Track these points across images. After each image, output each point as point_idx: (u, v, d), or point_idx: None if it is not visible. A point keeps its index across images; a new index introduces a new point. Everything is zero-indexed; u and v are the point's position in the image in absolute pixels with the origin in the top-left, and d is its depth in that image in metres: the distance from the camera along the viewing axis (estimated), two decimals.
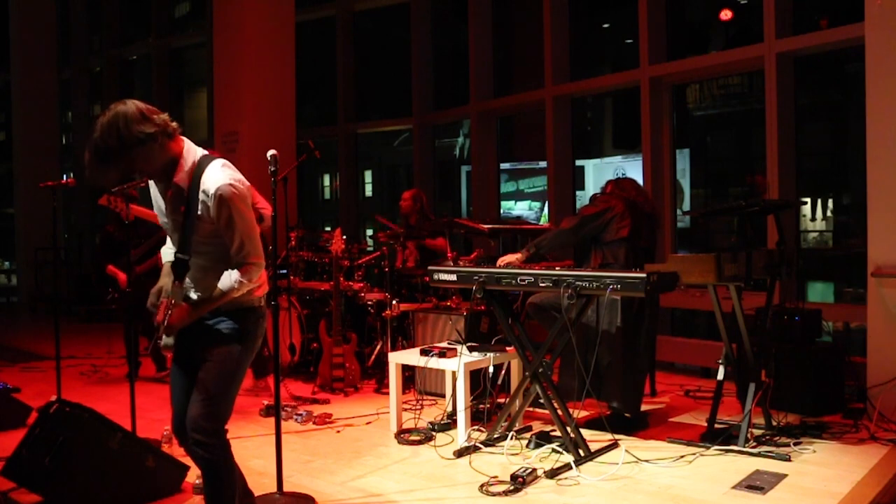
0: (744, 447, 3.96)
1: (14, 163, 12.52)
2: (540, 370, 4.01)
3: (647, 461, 3.87)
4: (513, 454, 4.03)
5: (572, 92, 7.71)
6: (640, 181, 6.57)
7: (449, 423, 4.51)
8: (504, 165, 8.99)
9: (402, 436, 4.37)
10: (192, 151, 2.61)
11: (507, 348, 4.47)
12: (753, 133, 7.76)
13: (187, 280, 2.66)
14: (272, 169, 3.34)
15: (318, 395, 5.43)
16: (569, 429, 3.95)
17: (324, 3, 10.25)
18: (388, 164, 13.18)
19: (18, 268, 13.09)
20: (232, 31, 8.32)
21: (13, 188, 12.67)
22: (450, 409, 4.60)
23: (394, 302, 5.49)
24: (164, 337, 2.59)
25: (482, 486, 3.53)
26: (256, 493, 3.17)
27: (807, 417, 4.53)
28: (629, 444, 4.13)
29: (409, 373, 5.44)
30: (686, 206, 7.86)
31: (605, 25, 9.34)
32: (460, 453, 4.03)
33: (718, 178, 8.96)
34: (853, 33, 5.32)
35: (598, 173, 8.60)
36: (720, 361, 4.21)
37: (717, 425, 4.21)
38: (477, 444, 4.13)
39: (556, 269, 4.11)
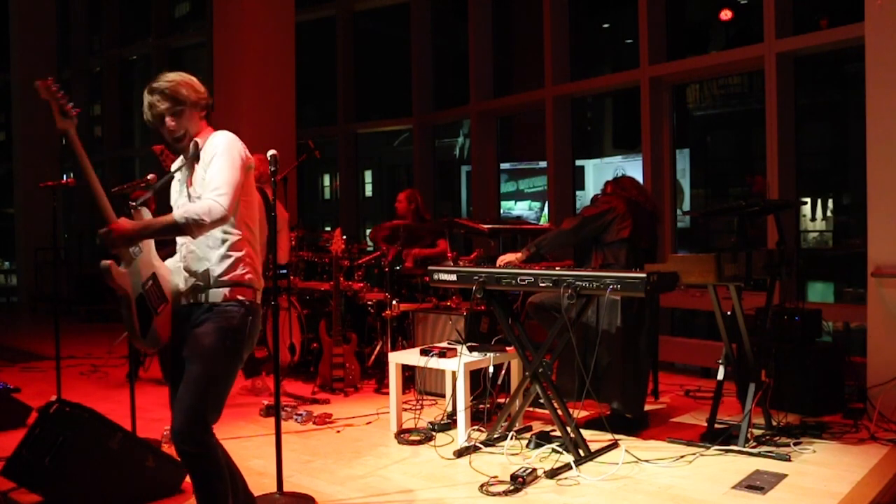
0: (744, 447, 3.95)
1: (14, 163, 12.52)
2: (540, 370, 4.01)
3: (647, 461, 3.87)
4: (513, 454, 4.03)
5: (572, 92, 7.71)
6: (640, 181, 6.57)
7: (449, 423, 4.51)
8: (504, 165, 9.00)
9: (402, 436, 4.37)
10: (212, 131, 2.79)
11: (507, 348, 4.47)
12: (753, 133, 7.77)
13: (184, 252, 2.71)
14: (272, 169, 3.35)
15: (318, 395, 5.43)
16: (569, 429, 3.95)
17: (324, 3, 10.25)
18: (388, 164, 13.19)
19: (18, 268, 13.09)
20: (232, 32, 8.32)
21: (13, 188, 12.67)
22: (450, 409, 4.60)
23: (394, 302, 5.49)
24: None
25: (482, 486, 3.53)
26: (256, 494, 3.17)
27: (807, 417, 4.53)
28: (629, 444, 4.13)
29: (409, 373, 5.44)
30: (686, 206, 7.87)
31: (605, 25, 9.35)
32: (460, 453, 4.03)
33: (718, 178, 8.97)
34: (853, 33, 5.32)
35: (598, 173, 8.61)
36: (720, 361, 4.21)
37: (717, 425, 4.21)
38: (477, 444, 4.12)
39: (556, 269, 4.11)
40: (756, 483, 3.51)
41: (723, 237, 7.78)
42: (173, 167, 2.86)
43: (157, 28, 12.02)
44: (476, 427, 4.31)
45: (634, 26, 6.93)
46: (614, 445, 4.10)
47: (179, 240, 2.76)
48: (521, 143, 9.37)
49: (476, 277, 4.09)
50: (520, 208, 9.11)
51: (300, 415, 4.77)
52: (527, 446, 4.12)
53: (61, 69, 13.26)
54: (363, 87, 10.30)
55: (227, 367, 2.66)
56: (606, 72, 8.18)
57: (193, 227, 2.53)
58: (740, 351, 4.33)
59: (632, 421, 4.43)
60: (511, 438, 4.16)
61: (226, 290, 2.66)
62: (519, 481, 3.51)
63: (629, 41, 7.82)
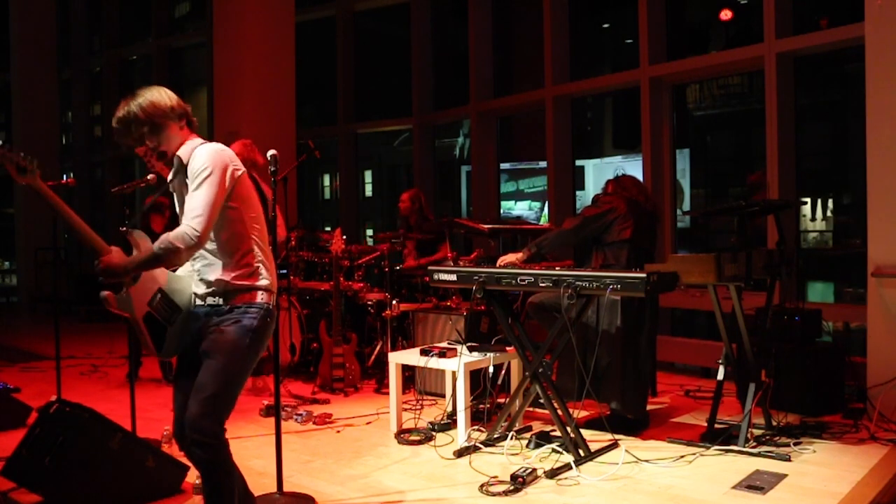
0: (744, 447, 3.95)
1: None
2: (540, 370, 4.01)
3: (647, 461, 3.87)
4: (513, 454, 4.03)
5: (572, 92, 7.71)
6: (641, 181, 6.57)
7: (449, 423, 4.51)
8: (504, 165, 9.00)
9: (402, 436, 4.37)
10: (197, 141, 2.75)
11: (507, 348, 4.47)
12: (753, 133, 7.77)
13: (196, 260, 2.71)
14: (272, 169, 3.35)
15: (318, 395, 5.43)
16: (569, 429, 3.95)
17: (324, 3, 10.26)
18: (388, 164, 13.19)
19: (18, 268, 13.09)
20: (232, 32, 8.32)
21: (13, 188, 12.66)
22: (450, 409, 4.60)
23: (394, 302, 5.49)
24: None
25: (482, 486, 3.53)
26: (256, 494, 3.17)
27: (807, 417, 4.53)
28: (629, 444, 4.13)
29: (409, 373, 5.44)
30: (686, 206, 7.87)
31: (605, 25, 9.35)
32: (460, 453, 4.03)
33: (718, 178, 8.96)
34: (853, 33, 5.32)
35: (598, 173, 8.61)
36: (720, 361, 4.21)
37: (717, 425, 4.21)
38: (477, 444, 4.12)
39: (556, 269, 4.11)
40: (756, 483, 3.51)
41: (723, 237, 7.77)
42: (169, 177, 2.83)
43: (157, 28, 12.02)
44: (476, 427, 4.31)
45: (634, 26, 6.93)
46: (614, 445, 4.10)
47: None
48: (521, 143, 9.37)
49: (476, 277, 4.10)
50: (520, 208, 9.11)
51: (300, 415, 4.77)
52: (527, 446, 4.12)
53: (61, 69, 13.27)
54: (363, 87, 10.30)
55: (245, 365, 2.69)
56: (606, 72, 8.18)
57: (172, 256, 2.54)
58: (740, 351, 4.33)
59: (632, 421, 4.42)
60: (511, 438, 4.16)
61: (243, 295, 2.69)
62: (519, 481, 3.51)
63: (629, 41, 7.82)
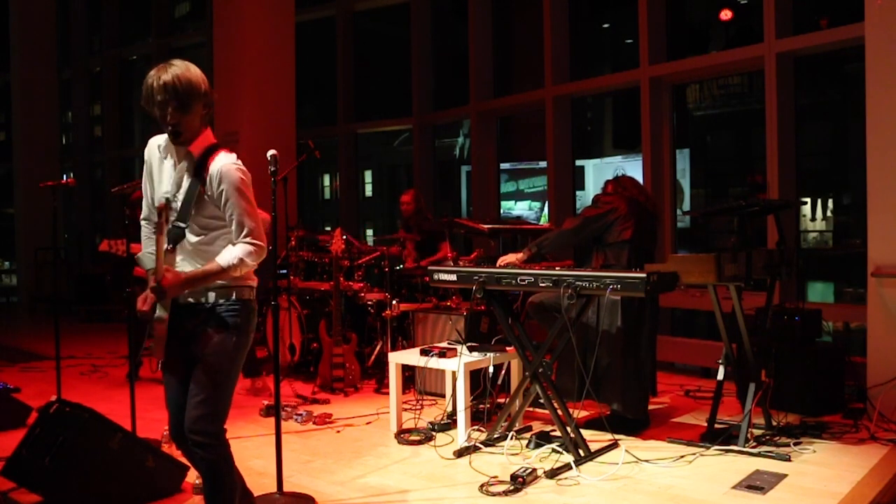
0: (744, 447, 3.96)
1: (14, 163, 12.51)
2: (540, 370, 4.01)
3: (647, 461, 3.87)
4: (513, 454, 4.03)
5: (572, 92, 7.70)
6: (640, 181, 6.57)
7: (449, 423, 4.51)
8: (504, 165, 9.00)
9: (402, 436, 4.37)
10: (210, 135, 2.73)
11: (507, 348, 4.47)
12: (753, 133, 7.76)
13: (183, 259, 2.68)
14: (272, 169, 3.35)
15: (318, 395, 5.43)
16: (569, 429, 3.95)
17: (324, 3, 10.25)
18: (388, 164, 13.18)
19: (18, 268, 13.08)
20: (232, 31, 8.32)
21: (13, 188, 12.67)
22: (450, 409, 4.60)
23: (394, 302, 5.49)
24: (157, 308, 2.57)
25: (482, 486, 3.53)
26: (256, 494, 3.17)
27: (807, 417, 4.53)
28: (629, 444, 4.13)
29: (409, 373, 5.44)
30: (686, 206, 7.87)
31: (605, 25, 9.35)
32: (460, 453, 4.03)
33: (718, 178, 8.96)
34: (853, 33, 5.32)
35: (598, 173, 8.61)
36: (720, 361, 4.21)
37: (717, 425, 4.21)
38: (477, 444, 4.12)
39: (556, 269, 4.11)
40: (756, 483, 3.51)
41: (723, 237, 7.77)
42: (156, 143, 2.76)
43: (157, 28, 12.02)
44: (476, 427, 4.31)
45: (634, 26, 6.92)
46: (614, 445, 4.10)
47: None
48: (521, 143, 9.36)
49: (476, 277, 4.09)
50: (520, 208, 9.11)
51: (300, 415, 4.77)
52: (527, 446, 4.12)
53: (61, 69, 13.27)
54: (363, 87, 10.30)
55: (235, 363, 2.70)
56: (606, 72, 8.17)
57: (240, 268, 2.61)
58: (740, 351, 4.33)
59: (632, 421, 4.42)
60: (511, 438, 4.16)
61: (227, 291, 2.68)
62: (519, 481, 3.51)
63: (629, 41, 7.82)
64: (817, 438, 4.18)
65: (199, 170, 2.62)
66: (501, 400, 4.66)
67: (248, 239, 2.61)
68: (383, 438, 4.43)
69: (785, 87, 6.03)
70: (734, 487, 3.49)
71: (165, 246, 2.57)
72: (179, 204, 2.65)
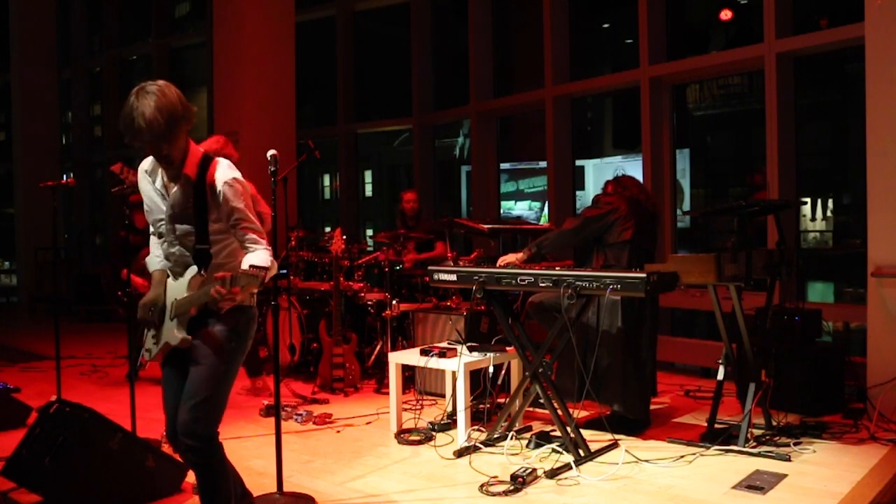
0: (744, 447, 3.95)
1: (14, 163, 12.52)
2: (540, 370, 4.01)
3: (647, 461, 3.87)
4: (513, 454, 4.03)
5: (572, 92, 7.70)
6: (640, 180, 6.57)
7: (449, 423, 4.51)
8: (504, 165, 9.00)
9: (402, 436, 4.37)
10: (196, 148, 2.70)
11: (507, 348, 4.47)
12: (753, 133, 7.76)
13: (177, 262, 2.69)
14: (272, 169, 3.35)
15: (318, 395, 5.43)
16: (569, 429, 3.95)
17: (324, 3, 10.25)
18: (388, 164, 13.18)
19: (18, 268, 13.08)
20: (232, 31, 8.32)
21: (13, 188, 12.67)
22: (450, 409, 4.60)
23: (394, 302, 5.49)
24: (176, 329, 2.62)
25: (482, 486, 3.53)
26: (256, 494, 3.17)
27: (807, 417, 4.53)
28: (629, 444, 4.13)
29: (409, 373, 5.44)
30: (686, 206, 7.87)
31: (605, 25, 9.35)
32: (460, 453, 4.03)
33: (718, 178, 8.96)
34: (853, 33, 5.32)
35: (598, 173, 8.61)
36: (720, 361, 4.21)
37: (717, 425, 4.21)
38: (477, 444, 4.12)
39: (556, 269, 4.11)
40: (756, 483, 3.51)
41: (723, 237, 7.77)
42: (143, 169, 2.74)
43: (157, 28, 12.01)
44: (476, 427, 4.31)
45: (634, 26, 6.92)
46: (614, 445, 4.10)
47: (164, 249, 2.74)
48: (521, 143, 9.37)
49: (476, 277, 4.09)
50: (520, 208, 9.11)
51: (300, 415, 4.77)
52: (527, 446, 4.12)
53: (61, 69, 13.27)
54: (363, 87, 10.30)
55: (232, 367, 2.71)
56: (606, 72, 8.17)
57: (273, 268, 2.67)
58: (740, 351, 4.33)
59: (632, 421, 4.42)
60: (511, 438, 4.16)
61: (227, 301, 2.65)
62: (519, 481, 3.51)
63: (629, 41, 7.82)
64: (817, 438, 4.18)
65: (199, 190, 2.61)
66: (501, 400, 4.65)
67: (264, 243, 2.67)
68: (383, 438, 4.43)
69: (785, 87, 6.03)
70: (734, 487, 3.49)
71: (192, 273, 2.63)
72: (193, 228, 2.63)
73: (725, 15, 7.65)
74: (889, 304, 4.61)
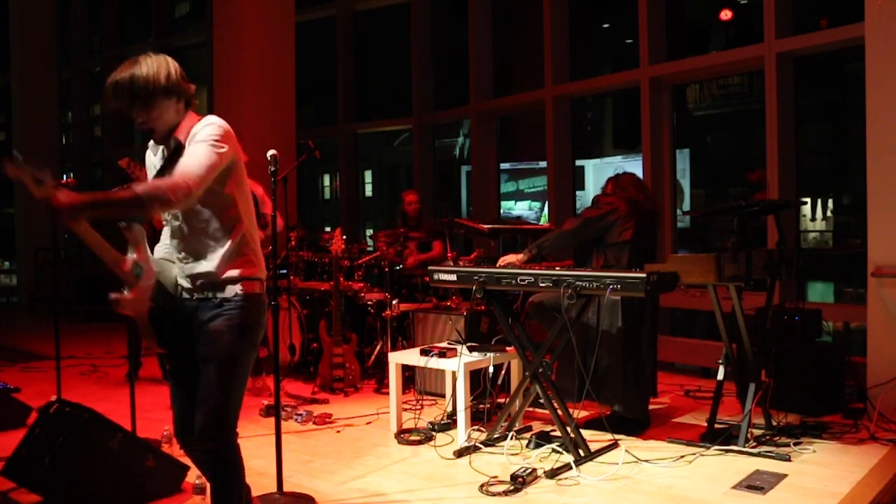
0: (744, 447, 3.95)
1: None
2: (540, 370, 4.01)
3: (647, 461, 3.87)
4: (513, 454, 4.03)
5: (572, 92, 7.70)
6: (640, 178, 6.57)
7: (449, 423, 4.51)
8: (504, 165, 9.00)
9: (402, 436, 4.37)
10: (195, 118, 2.58)
11: (507, 348, 4.47)
12: (753, 133, 7.77)
13: (179, 248, 2.58)
14: (272, 169, 3.35)
15: (318, 395, 5.43)
16: (569, 429, 3.95)
17: (324, 3, 10.25)
18: (388, 164, 13.19)
19: (18, 268, 13.08)
20: (232, 31, 8.32)
21: (13, 188, 12.67)
22: (450, 409, 4.60)
23: (394, 302, 5.49)
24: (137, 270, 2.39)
25: (482, 486, 3.53)
26: (256, 494, 3.17)
27: (807, 417, 4.53)
28: (629, 444, 4.13)
29: (409, 373, 5.44)
30: (686, 206, 7.87)
31: (605, 25, 9.35)
32: (460, 453, 4.03)
33: (718, 178, 8.97)
34: (853, 33, 5.32)
35: (598, 173, 8.61)
36: (720, 361, 4.21)
37: (717, 425, 4.21)
38: (477, 444, 4.12)
39: (556, 269, 4.11)
40: (756, 483, 3.51)
41: (723, 237, 7.78)
42: (149, 157, 2.67)
43: (157, 28, 12.01)
44: (476, 427, 4.31)
45: (634, 26, 6.92)
46: (614, 445, 4.10)
47: (170, 238, 2.65)
48: (521, 143, 9.37)
49: (476, 277, 4.09)
50: (520, 208, 9.11)
51: (300, 415, 4.77)
52: (527, 446, 4.12)
53: (61, 69, 13.27)
54: (363, 87, 10.30)
55: (244, 364, 2.62)
56: (606, 72, 8.17)
57: (157, 204, 2.33)
58: (740, 351, 4.33)
59: (633, 421, 4.42)
60: (511, 438, 4.16)
61: (234, 287, 2.55)
62: (519, 481, 3.51)
63: (629, 41, 7.82)
64: (817, 438, 4.18)
65: (179, 147, 2.50)
66: (501, 400, 4.65)
67: (183, 170, 2.38)
68: (383, 438, 4.43)
69: (785, 87, 6.03)
70: (734, 487, 3.49)
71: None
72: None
73: (725, 15, 7.65)
74: (889, 304, 4.61)
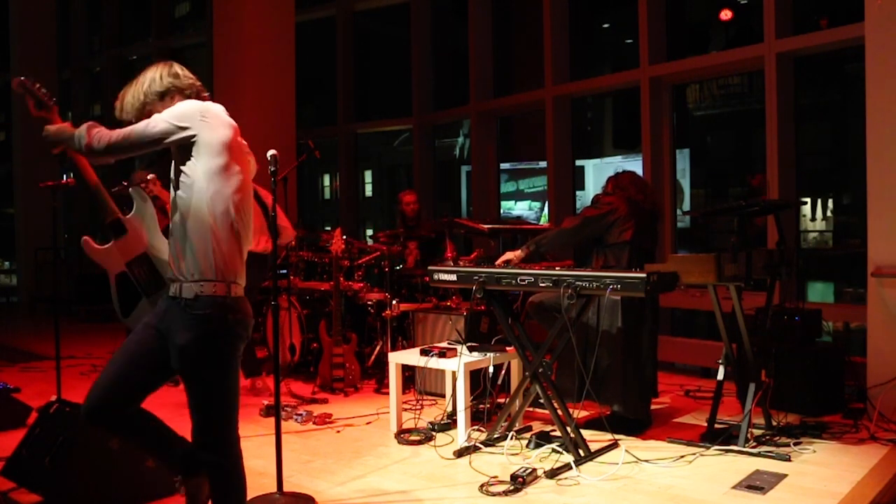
0: (744, 447, 3.95)
1: (14, 163, 12.51)
2: (540, 370, 4.01)
3: (647, 461, 3.87)
4: (513, 454, 4.03)
5: (572, 92, 7.70)
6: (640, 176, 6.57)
7: (449, 423, 4.51)
8: (504, 165, 9.00)
9: (402, 436, 4.37)
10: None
11: (507, 348, 4.47)
12: (753, 133, 7.77)
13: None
14: (272, 169, 3.35)
15: (318, 395, 5.43)
16: (569, 429, 3.95)
17: (324, 3, 10.26)
18: (388, 164, 13.19)
19: (18, 268, 13.08)
20: (232, 31, 8.32)
21: (13, 188, 12.67)
22: (450, 409, 4.60)
23: (394, 302, 5.49)
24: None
25: (482, 486, 3.53)
26: (257, 494, 3.17)
27: (807, 417, 4.53)
28: (629, 444, 4.13)
29: (409, 373, 5.44)
30: (686, 206, 7.87)
31: (605, 25, 9.35)
32: (460, 453, 4.03)
33: (718, 178, 8.97)
34: (853, 33, 5.32)
35: (598, 173, 8.61)
36: (720, 361, 4.21)
37: (717, 425, 4.21)
38: (477, 444, 4.12)
39: (556, 269, 4.11)
40: (756, 483, 3.51)
41: (723, 237, 7.78)
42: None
43: (157, 28, 12.02)
44: (476, 427, 4.31)
45: (634, 26, 6.93)
46: (614, 445, 4.10)
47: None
48: (521, 143, 9.37)
49: (476, 277, 4.09)
50: (520, 208, 9.11)
51: (300, 415, 4.77)
52: (527, 446, 4.12)
53: (61, 69, 13.26)
54: (363, 87, 10.30)
55: (230, 369, 2.57)
56: (606, 72, 8.17)
57: (74, 143, 2.53)
58: (740, 351, 4.33)
59: (633, 421, 4.42)
60: (511, 438, 4.16)
61: (195, 287, 2.45)
62: (519, 481, 3.51)
63: (629, 41, 7.82)
64: (817, 438, 4.18)
65: None
66: (501, 400, 4.65)
67: (112, 132, 2.52)
68: (383, 438, 4.43)
69: (785, 87, 6.03)
70: (734, 487, 3.49)
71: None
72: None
73: (725, 15, 7.65)
74: (889, 304, 4.61)
